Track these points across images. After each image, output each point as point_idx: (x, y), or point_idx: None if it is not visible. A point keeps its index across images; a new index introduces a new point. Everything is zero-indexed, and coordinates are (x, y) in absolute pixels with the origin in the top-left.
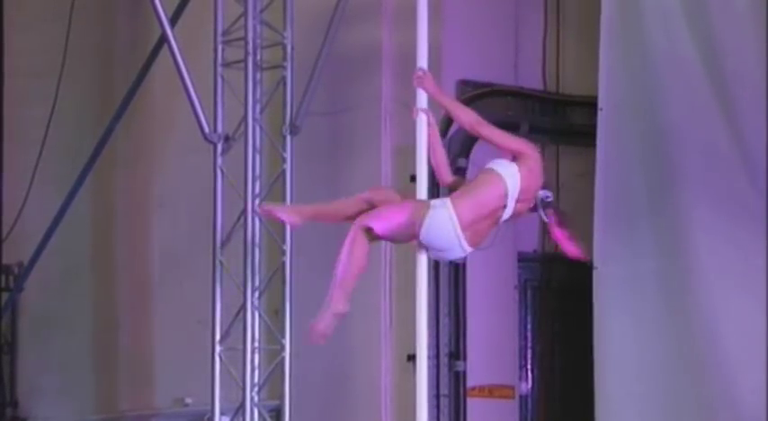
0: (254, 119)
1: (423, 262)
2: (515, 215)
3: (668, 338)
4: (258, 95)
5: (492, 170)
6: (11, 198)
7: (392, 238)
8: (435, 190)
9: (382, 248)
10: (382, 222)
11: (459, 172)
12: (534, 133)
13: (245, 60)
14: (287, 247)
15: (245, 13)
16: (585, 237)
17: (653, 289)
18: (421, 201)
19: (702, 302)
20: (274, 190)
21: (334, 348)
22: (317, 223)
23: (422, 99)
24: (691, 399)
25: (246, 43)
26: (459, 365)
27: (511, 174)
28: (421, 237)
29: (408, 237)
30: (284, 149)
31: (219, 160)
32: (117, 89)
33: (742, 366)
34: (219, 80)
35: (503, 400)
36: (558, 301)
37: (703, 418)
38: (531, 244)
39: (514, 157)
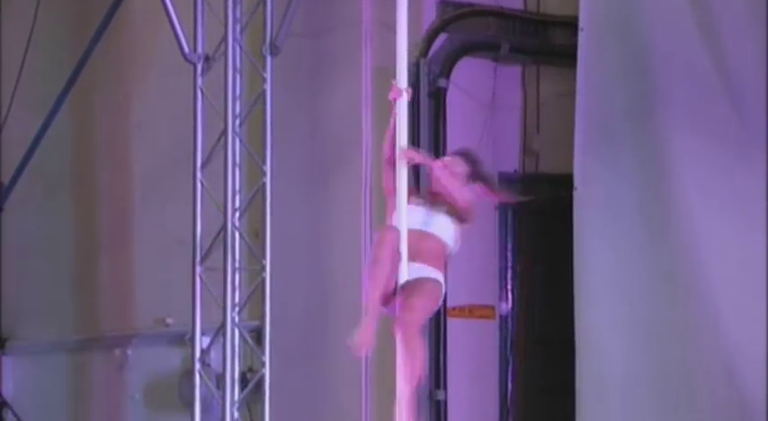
0: (234, 39)
1: (403, 182)
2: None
3: (649, 260)
4: (238, 15)
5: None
6: None
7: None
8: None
9: (363, 175)
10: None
11: (441, 92)
12: (515, 53)
13: None
14: (267, 168)
15: None
16: (566, 157)
17: (633, 210)
18: None
19: (683, 223)
20: (254, 110)
21: (316, 268)
22: (299, 144)
23: (402, 21)
24: (672, 323)
25: None
26: None
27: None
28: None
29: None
30: (264, 70)
31: (199, 80)
32: (96, 10)
33: (724, 289)
34: (199, 0)
35: (483, 320)
36: (539, 222)
37: (685, 342)
38: (511, 164)
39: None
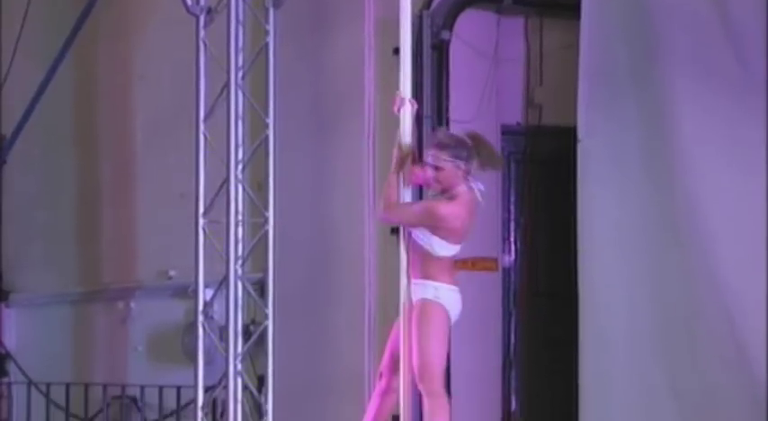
0: None
1: (407, 122)
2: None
3: (652, 210)
4: None
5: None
6: None
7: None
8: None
9: (366, 127)
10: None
11: (443, 44)
12: (518, 5)
13: None
14: (270, 120)
15: None
16: (570, 109)
17: (637, 161)
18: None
19: (685, 174)
20: (257, 63)
21: (318, 221)
22: (302, 96)
23: None
24: (674, 273)
25: None
26: None
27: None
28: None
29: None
30: (267, 22)
31: (202, 33)
32: None
33: (724, 238)
34: None
35: (486, 272)
36: (542, 174)
37: (686, 292)
38: (514, 116)
39: None
